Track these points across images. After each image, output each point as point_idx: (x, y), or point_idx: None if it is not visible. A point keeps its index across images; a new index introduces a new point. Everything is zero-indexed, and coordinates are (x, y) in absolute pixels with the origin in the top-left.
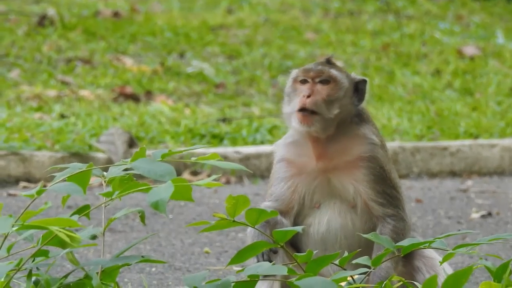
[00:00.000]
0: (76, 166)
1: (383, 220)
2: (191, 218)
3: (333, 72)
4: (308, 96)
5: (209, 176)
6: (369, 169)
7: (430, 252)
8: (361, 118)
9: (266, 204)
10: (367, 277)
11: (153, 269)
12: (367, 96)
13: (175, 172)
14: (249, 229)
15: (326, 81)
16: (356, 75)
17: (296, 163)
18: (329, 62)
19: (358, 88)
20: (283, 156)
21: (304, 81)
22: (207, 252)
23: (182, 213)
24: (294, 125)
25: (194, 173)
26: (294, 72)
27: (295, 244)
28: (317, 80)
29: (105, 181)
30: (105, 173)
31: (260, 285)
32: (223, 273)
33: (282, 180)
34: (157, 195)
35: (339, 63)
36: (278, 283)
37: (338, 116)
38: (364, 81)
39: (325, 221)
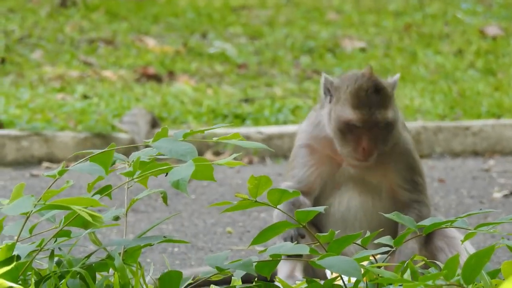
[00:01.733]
0: (99, 150)
1: (409, 206)
2: (213, 198)
3: (390, 116)
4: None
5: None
6: (400, 159)
7: (452, 232)
8: None
9: (288, 185)
10: (389, 256)
11: (176, 249)
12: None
13: (197, 152)
14: (276, 211)
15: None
16: (392, 78)
17: (321, 153)
18: (377, 90)
19: None
20: (307, 143)
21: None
22: (229, 232)
23: (205, 193)
24: (348, 160)
25: (217, 154)
26: (348, 113)
27: (315, 224)
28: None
29: (128, 164)
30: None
31: (282, 265)
32: (245, 253)
33: (305, 165)
34: (178, 175)
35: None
36: (301, 264)
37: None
38: (396, 79)
39: (346, 200)
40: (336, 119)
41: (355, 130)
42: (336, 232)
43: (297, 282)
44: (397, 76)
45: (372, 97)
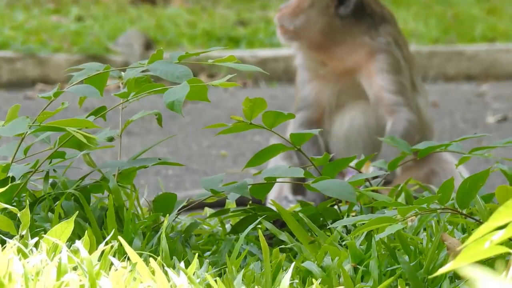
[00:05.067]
0: (93, 67)
1: (395, 112)
2: (208, 121)
3: None
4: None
5: None
6: (379, 57)
7: (446, 156)
8: (376, 19)
9: (299, 115)
10: (383, 180)
11: (170, 171)
12: (352, 2)
13: (192, 74)
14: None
15: None
16: None
17: (311, 68)
18: None
19: None
20: (299, 62)
21: None
22: (224, 155)
23: (199, 116)
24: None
25: (211, 76)
26: None
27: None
28: None
29: (122, 83)
30: (122, 73)
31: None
32: (239, 176)
33: (305, 84)
34: (173, 95)
35: None
36: (288, 186)
37: (308, 28)
38: None
39: (348, 118)
40: None
41: None
42: (332, 155)
43: (290, 204)
44: None
45: None
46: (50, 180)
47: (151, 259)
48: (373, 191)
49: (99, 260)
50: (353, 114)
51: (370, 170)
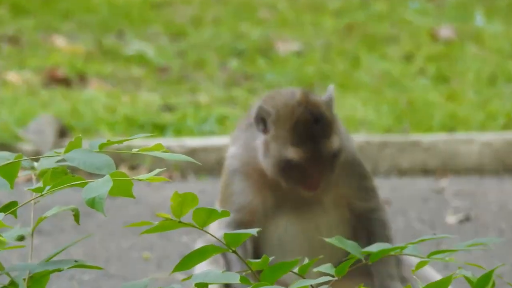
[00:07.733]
0: (3, 156)
1: (367, 216)
2: (129, 218)
3: (335, 145)
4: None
5: (149, 171)
6: (348, 170)
7: (406, 259)
8: None
9: (227, 219)
10: (330, 286)
11: (86, 276)
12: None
13: (114, 165)
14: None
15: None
16: (327, 94)
17: (255, 178)
18: (317, 120)
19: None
20: (241, 169)
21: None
22: (146, 258)
23: (119, 212)
24: (295, 191)
25: (132, 168)
26: (290, 152)
27: (260, 252)
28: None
29: (35, 175)
30: (35, 163)
31: None
32: (164, 282)
33: (243, 192)
34: (94, 191)
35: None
36: None
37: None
38: (331, 93)
39: (284, 222)
40: (276, 157)
41: (300, 166)
42: (271, 259)
43: None
44: (331, 89)
45: (313, 129)
46: None
47: None
48: None
49: None
50: (289, 217)
51: None
